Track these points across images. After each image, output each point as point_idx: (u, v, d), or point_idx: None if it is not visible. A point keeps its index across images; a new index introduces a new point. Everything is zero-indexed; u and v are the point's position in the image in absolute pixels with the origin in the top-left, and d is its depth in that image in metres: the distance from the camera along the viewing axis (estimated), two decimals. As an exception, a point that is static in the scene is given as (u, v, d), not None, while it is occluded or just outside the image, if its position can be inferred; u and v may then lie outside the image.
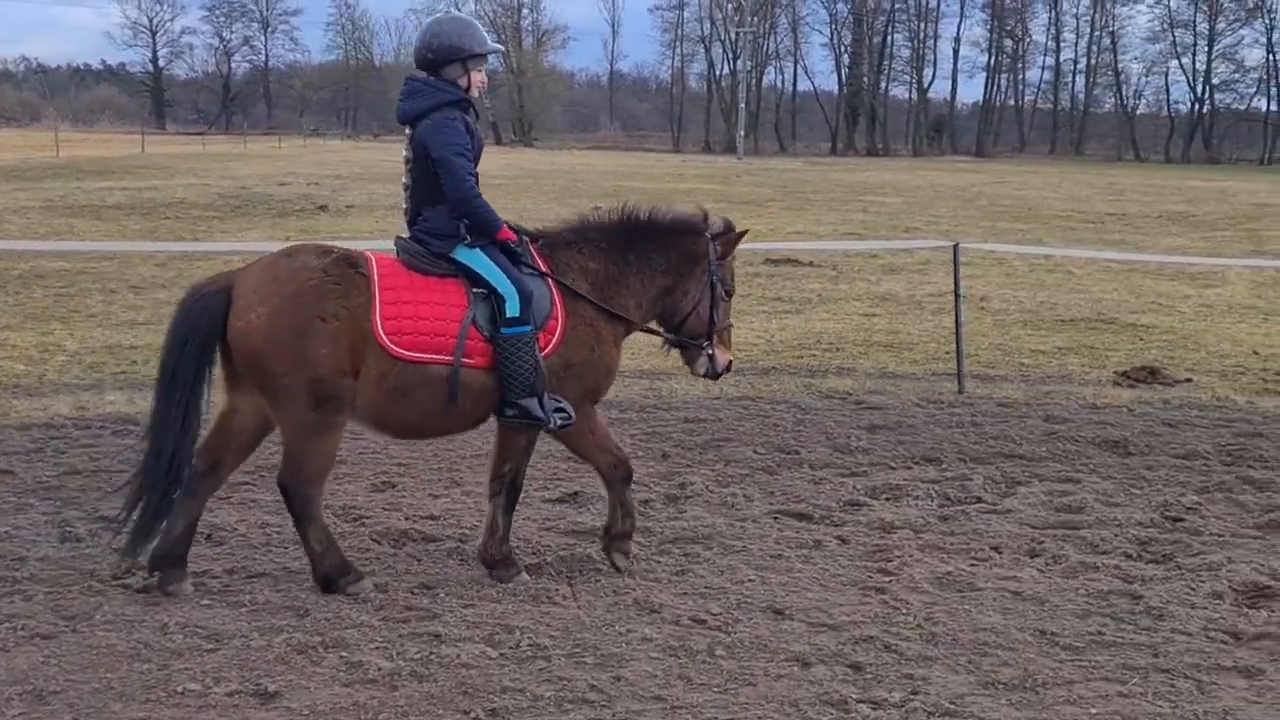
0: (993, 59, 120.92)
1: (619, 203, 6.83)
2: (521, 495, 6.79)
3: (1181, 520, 7.84)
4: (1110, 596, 6.44)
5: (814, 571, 6.75)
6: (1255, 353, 14.19)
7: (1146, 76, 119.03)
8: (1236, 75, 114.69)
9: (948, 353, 12.91)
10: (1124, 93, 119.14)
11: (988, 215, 35.57)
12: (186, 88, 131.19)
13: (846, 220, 31.97)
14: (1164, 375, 12.43)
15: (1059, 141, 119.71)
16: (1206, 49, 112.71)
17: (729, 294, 6.92)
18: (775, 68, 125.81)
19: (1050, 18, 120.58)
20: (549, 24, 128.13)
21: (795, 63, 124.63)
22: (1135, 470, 9.06)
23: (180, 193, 33.43)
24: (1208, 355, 13.96)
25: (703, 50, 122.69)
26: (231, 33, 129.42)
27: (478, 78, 6.44)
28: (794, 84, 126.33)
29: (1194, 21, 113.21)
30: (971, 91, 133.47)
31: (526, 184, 45.38)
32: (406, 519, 7.48)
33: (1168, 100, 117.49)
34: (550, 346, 6.31)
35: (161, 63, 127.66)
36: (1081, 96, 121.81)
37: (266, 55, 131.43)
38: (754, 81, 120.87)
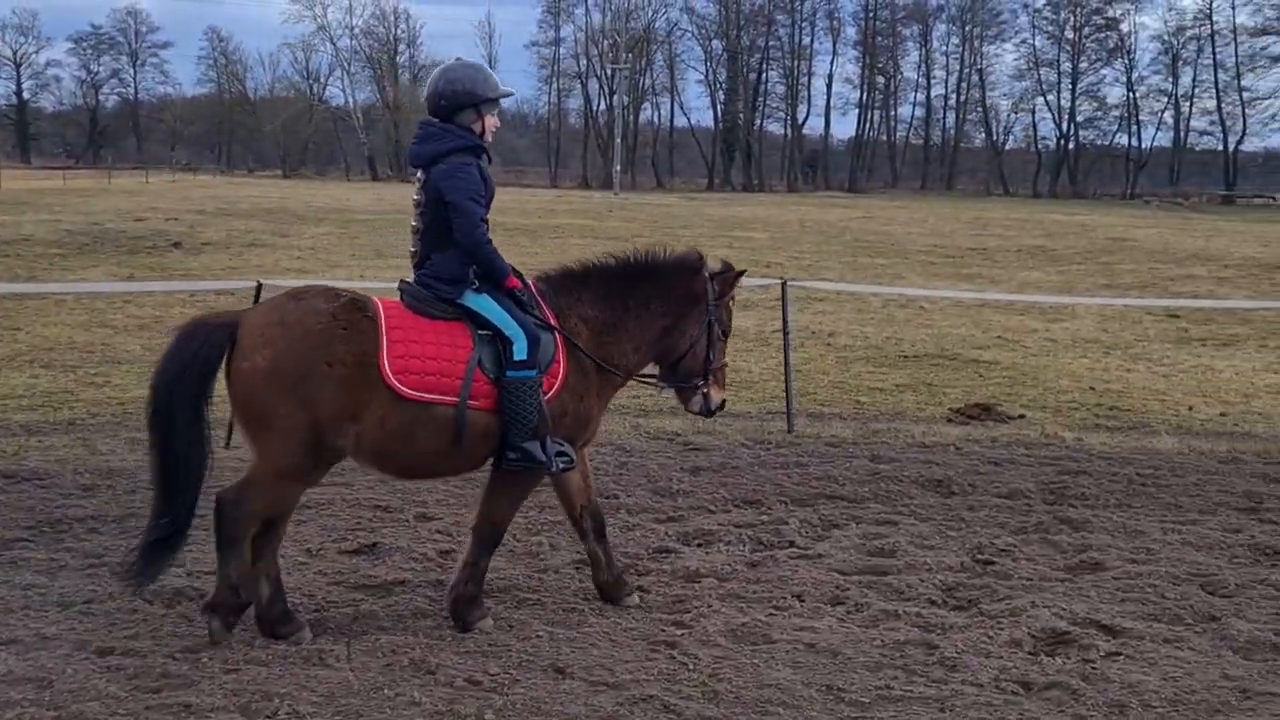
0: (865, 96, 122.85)
1: (619, 249, 6.92)
2: (317, 546, 6.50)
3: (992, 563, 7.72)
4: (906, 647, 6.26)
5: (606, 625, 6.49)
6: (1091, 388, 14.29)
7: (1015, 113, 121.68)
8: (1099, 112, 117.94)
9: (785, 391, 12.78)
10: (993, 129, 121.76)
11: (851, 250, 35.85)
12: (54, 121, 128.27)
13: (710, 256, 31.87)
14: (997, 412, 12.43)
15: (930, 177, 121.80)
16: (1070, 87, 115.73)
17: (725, 334, 6.97)
18: (652, 104, 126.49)
19: (921, 55, 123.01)
20: (426, 59, 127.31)
21: (672, 99, 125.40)
22: (955, 511, 8.96)
23: (28, 229, 32.42)
24: (1044, 391, 14.02)
25: (579, 86, 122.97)
26: (99, 65, 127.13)
27: (490, 122, 6.47)
28: (671, 120, 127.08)
29: (1058, 60, 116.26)
30: (846, 127, 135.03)
31: (394, 219, 44.85)
32: (187, 575, 7.08)
33: (1035, 136, 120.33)
34: (553, 391, 6.33)
35: (26, 95, 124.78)
36: (952, 133, 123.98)
37: (136, 88, 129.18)
38: (631, 118, 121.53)
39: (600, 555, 6.79)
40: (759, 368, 14.96)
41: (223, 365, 5.96)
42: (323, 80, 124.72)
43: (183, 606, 6.61)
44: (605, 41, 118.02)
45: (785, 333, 11.84)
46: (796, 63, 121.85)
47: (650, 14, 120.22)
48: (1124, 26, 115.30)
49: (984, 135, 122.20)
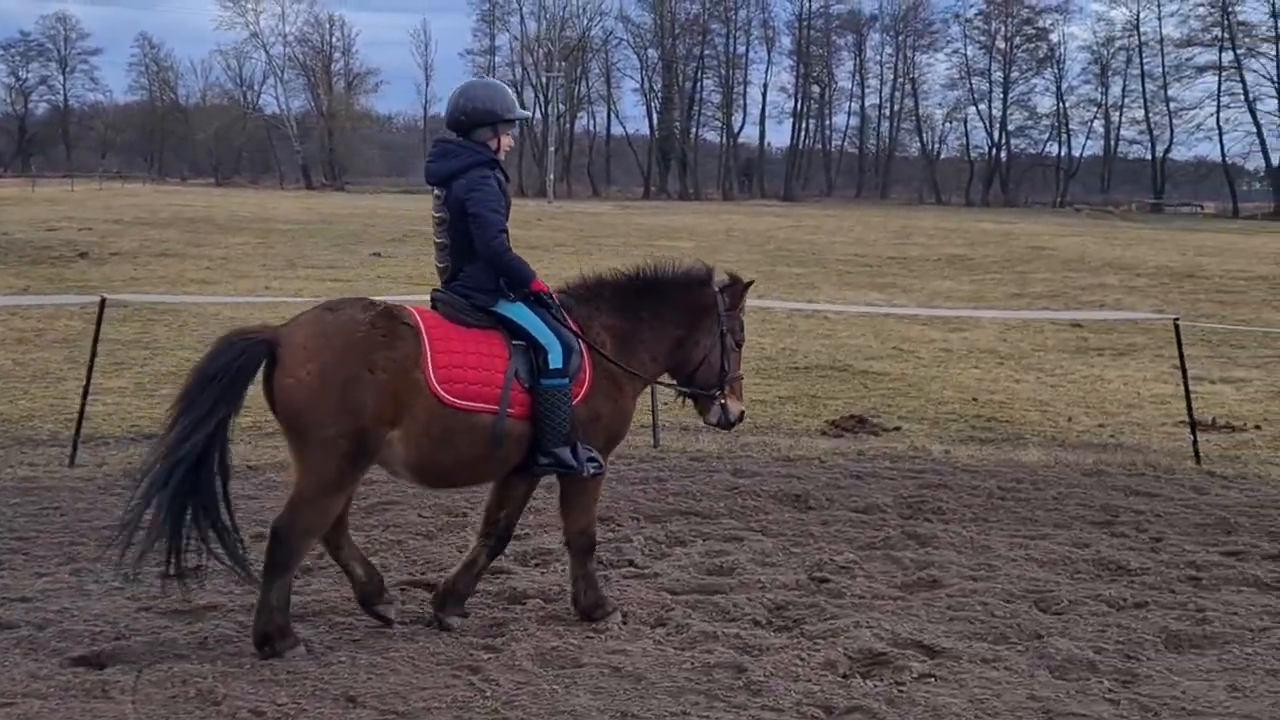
0: (800, 104, 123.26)
1: (632, 261, 7.13)
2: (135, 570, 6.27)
3: (828, 581, 7.61)
4: (715, 670, 6.12)
5: (413, 650, 6.30)
6: (974, 399, 14.28)
7: (949, 123, 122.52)
8: (1030, 122, 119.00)
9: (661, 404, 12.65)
10: (926, 138, 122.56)
11: (771, 259, 35.83)
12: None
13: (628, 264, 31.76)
14: (872, 424, 12.37)
15: (865, 185, 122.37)
16: (1002, 96, 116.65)
17: (739, 345, 7.14)
18: (588, 113, 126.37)
19: (855, 64, 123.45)
20: (360, 67, 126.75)
21: (609, 108, 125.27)
22: (807, 526, 8.87)
23: (-66, 239, 31.85)
24: (926, 402, 13.99)
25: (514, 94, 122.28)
26: (28, 72, 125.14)
27: (506, 140, 6.69)
28: (608, 129, 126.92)
29: (989, 70, 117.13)
30: (782, 136, 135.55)
31: (316, 229, 44.50)
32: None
33: (967, 145, 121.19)
34: (580, 397, 6.52)
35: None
36: (886, 141, 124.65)
37: (65, 95, 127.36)
38: (567, 126, 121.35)
39: (479, 564, 6.86)
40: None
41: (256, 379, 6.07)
42: (256, 88, 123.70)
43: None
44: (540, 50, 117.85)
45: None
46: (731, 71, 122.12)
47: (585, 23, 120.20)
48: (1053, 37, 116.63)
49: (918, 144, 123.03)
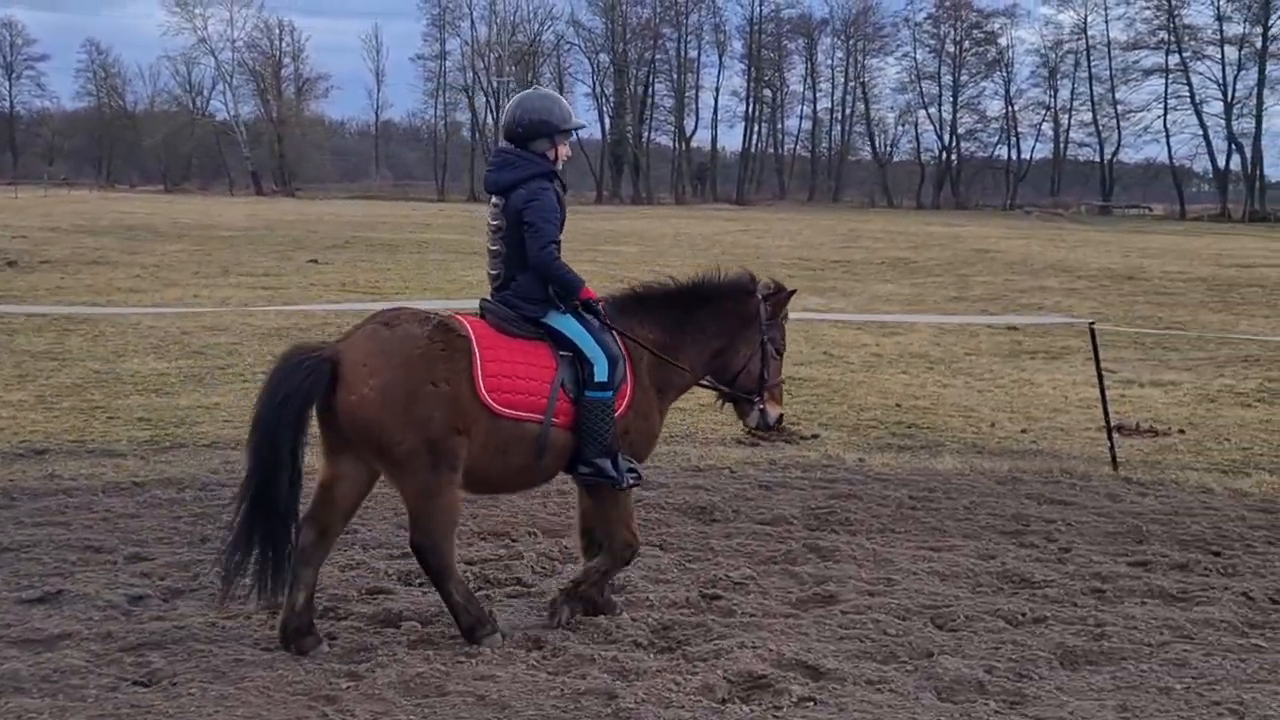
0: (752, 108, 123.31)
1: (675, 272, 7.30)
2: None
3: (719, 599, 7.35)
4: (584, 698, 5.83)
5: (270, 679, 5.98)
6: (898, 405, 14.07)
7: (901, 126, 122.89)
8: (980, 125, 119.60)
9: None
10: (878, 141, 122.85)
11: (715, 264, 35.55)
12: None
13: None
14: (790, 432, 12.11)
15: (818, 189, 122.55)
16: (952, 100, 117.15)
17: (779, 352, 7.27)
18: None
19: (806, 68, 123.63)
20: (311, 73, 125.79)
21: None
22: (708, 540, 8.61)
23: None
24: (849, 409, 13.77)
25: (465, 99, 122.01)
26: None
27: (563, 151, 6.83)
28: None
29: (939, 73, 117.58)
30: (734, 140, 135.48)
31: (258, 235, 43.99)
32: None
33: (918, 149, 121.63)
34: (621, 410, 6.64)
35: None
36: (838, 145, 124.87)
37: (11, 102, 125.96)
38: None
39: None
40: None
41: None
42: (205, 94, 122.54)
43: None
44: (491, 55, 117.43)
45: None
46: (683, 76, 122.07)
47: (536, 27, 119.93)
48: (1002, 40, 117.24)
49: (869, 148, 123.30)
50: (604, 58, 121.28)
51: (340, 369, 6.13)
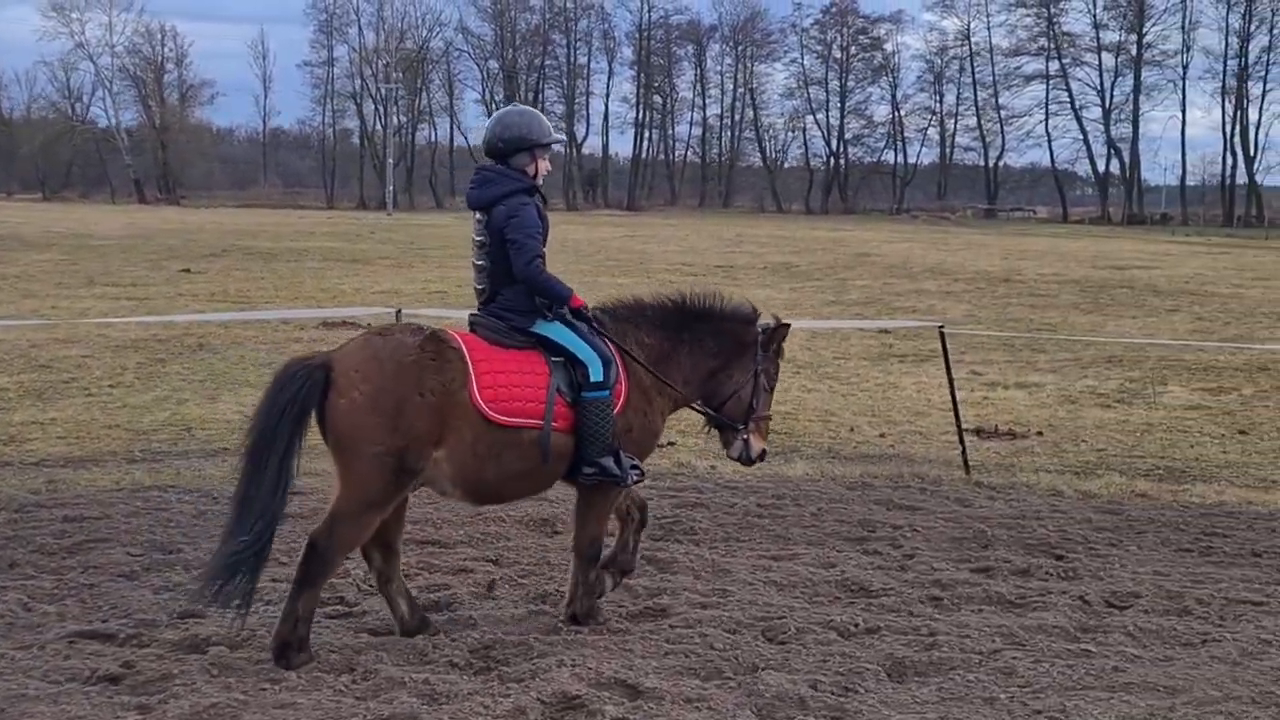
0: (642, 115, 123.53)
1: (677, 289, 7.39)
2: None
3: (545, 615, 7.14)
4: (342, 723, 5.59)
5: (53, 713, 5.65)
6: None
7: (792, 132, 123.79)
8: (867, 130, 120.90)
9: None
10: (767, 147, 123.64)
11: (596, 270, 35.44)
12: None
13: (447, 279, 31.12)
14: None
15: (709, 195, 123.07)
16: (839, 105, 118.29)
17: (770, 387, 7.36)
18: (430, 124, 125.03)
19: (696, 75, 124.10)
20: (195, 79, 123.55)
21: (451, 119, 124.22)
22: (547, 554, 8.38)
23: None
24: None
25: (354, 106, 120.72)
26: None
27: (543, 165, 6.94)
28: (451, 140, 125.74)
29: (826, 79, 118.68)
30: (625, 146, 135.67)
31: (134, 243, 43.04)
32: None
33: (807, 154, 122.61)
34: (618, 409, 6.74)
35: None
36: (728, 151, 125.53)
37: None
38: (408, 138, 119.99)
39: (630, 544, 7.35)
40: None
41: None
42: (85, 100, 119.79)
43: None
44: (379, 61, 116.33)
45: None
46: (573, 82, 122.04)
47: (425, 34, 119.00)
48: (888, 46, 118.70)
49: (759, 153, 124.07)
50: (493, 64, 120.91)
51: (333, 375, 6.26)
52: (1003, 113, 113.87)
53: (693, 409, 7.41)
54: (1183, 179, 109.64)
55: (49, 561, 8.02)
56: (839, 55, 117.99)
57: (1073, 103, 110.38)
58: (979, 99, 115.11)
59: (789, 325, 7.42)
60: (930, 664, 6.49)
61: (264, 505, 6.25)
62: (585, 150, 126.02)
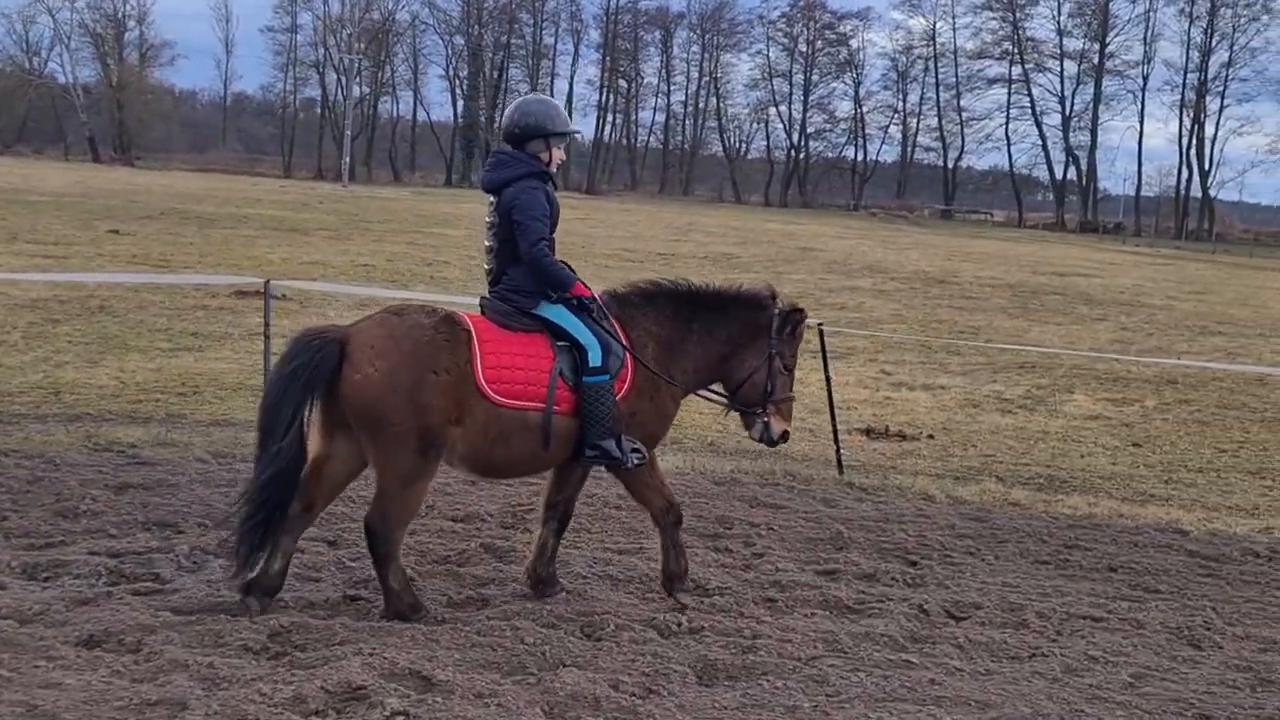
0: (605, 98, 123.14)
1: (689, 275, 7.49)
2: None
3: (359, 600, 6.93)
4: (150, 709, 5.31)
5: None
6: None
7: (756, 123, 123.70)
8: (829, 125, 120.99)
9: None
10: (729, 137, 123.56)
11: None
12: None
13: (379, 254, 30.79)
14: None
15: (670, 182, 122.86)
16: (803, 99, 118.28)
17: (788, 369, 7.35)
18: (393, 97, 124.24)
19: (662, 61, 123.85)
20: (156, 39, 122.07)
21: (415, 93, 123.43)
22: (321, 537, 8.12)
23: None
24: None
25: (316, 75, 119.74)
26: None
27: (557, 154, 7.07)
28: (414, 115, 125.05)
29: (791, 72, 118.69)
30: (588, 129, 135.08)
31: (72, 202, 42.47)
32: None
33: (769, 146, 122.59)
34: (623, 394, 6.85)
35: None
36: (691, 139, 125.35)
37: None
38: (370, 109, 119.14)
39: (549, 547, 7.26)
40: (245, 369, 13.84)
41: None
42: (43, 55, 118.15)
43: None
44: (344, 31, 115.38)
45: (266, 337, 10.84)
46: (538, 62, 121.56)
47: (390, 5, 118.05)
48: (854, 43, 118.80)
49: (720, 143, 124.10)
50: (459, 40, 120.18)
51: (349, 350, 6.41)
52: (964, 115, 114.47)
53: (702, 396, 7.50)
54: (1138, 189, 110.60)
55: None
56: (805, 49, 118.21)
57: (1033, 108, 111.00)
58: (941, 100, 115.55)
59: (803, 309, 7.43)
60: (743, 668, 6.34)
61: (272, 469, 6.42)
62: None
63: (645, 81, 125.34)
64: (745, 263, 35.73)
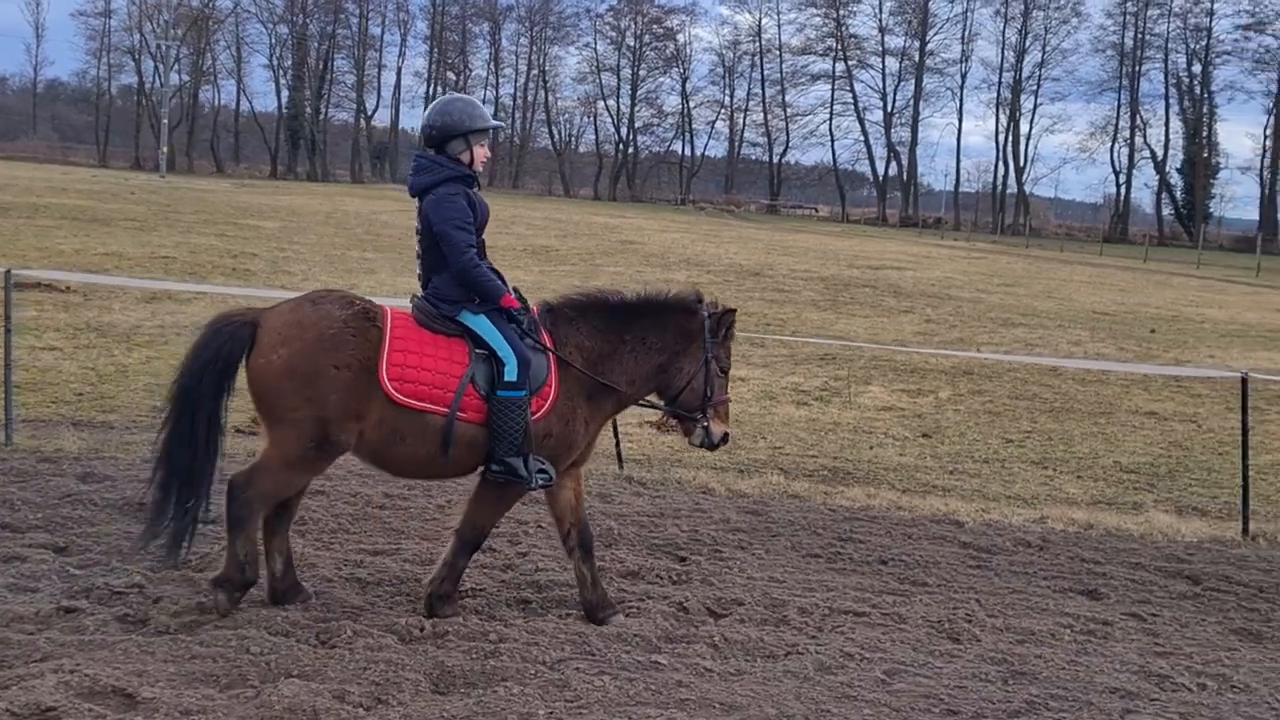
0: (433, 90, 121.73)
1: (618, 283, 6.99)
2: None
3: (76, 612, 6.45)
4: None
5: None
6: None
7: (585, 117, 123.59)
8: (656, 120, 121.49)
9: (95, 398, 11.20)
10: (558, 130, 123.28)
11: (351, 244, 34.56)
12: None
13: (183, 245, 29.74)
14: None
15: (499, 175, 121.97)
16: (630, 93, 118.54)
17: (724, 371, 7.18)
18: (215, 87, 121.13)
19: (491, 53, 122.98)
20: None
21: (238, 83, 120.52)
22: (120, 544, 7.67)
23: None
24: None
25: (132, 62, 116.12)
26: None
27: (480, 152, 6.93)
28: (237, 104, 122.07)
29: (618, 66, 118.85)
30: (417, 121, 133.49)
31: None
32: None
33: (597, 140, 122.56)
34: (541, 413, 6.70)
35: None
36: (520, 132, 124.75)
37: None
38: (190, 98, 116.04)
39: (585, 574, 7.03)
40: (78, 368, 13.29)
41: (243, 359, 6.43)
42: None
43: None
44: (161, 16, 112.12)
45: (7, 329, 10.20)
46: (365, 53, 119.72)
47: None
48: (680, 38, 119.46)
49: (549, 136, 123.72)
50: (283, 29, 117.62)
51: (258, 334, 6.39)
52: (789, 110, 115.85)
53: (642, 405, 7.38)
54: (956, 185, 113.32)
55: None
56: (632, 43, 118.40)
57: (856, 104, 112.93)
58: (767, 95, 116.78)
59: (734, 310, 7.26)
60: (482, 674, 6.06)
61: (186, 457, 6.39)
62: (375, 123, 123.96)
63: (474, 74, 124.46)
64: (564, 255, 35.45)
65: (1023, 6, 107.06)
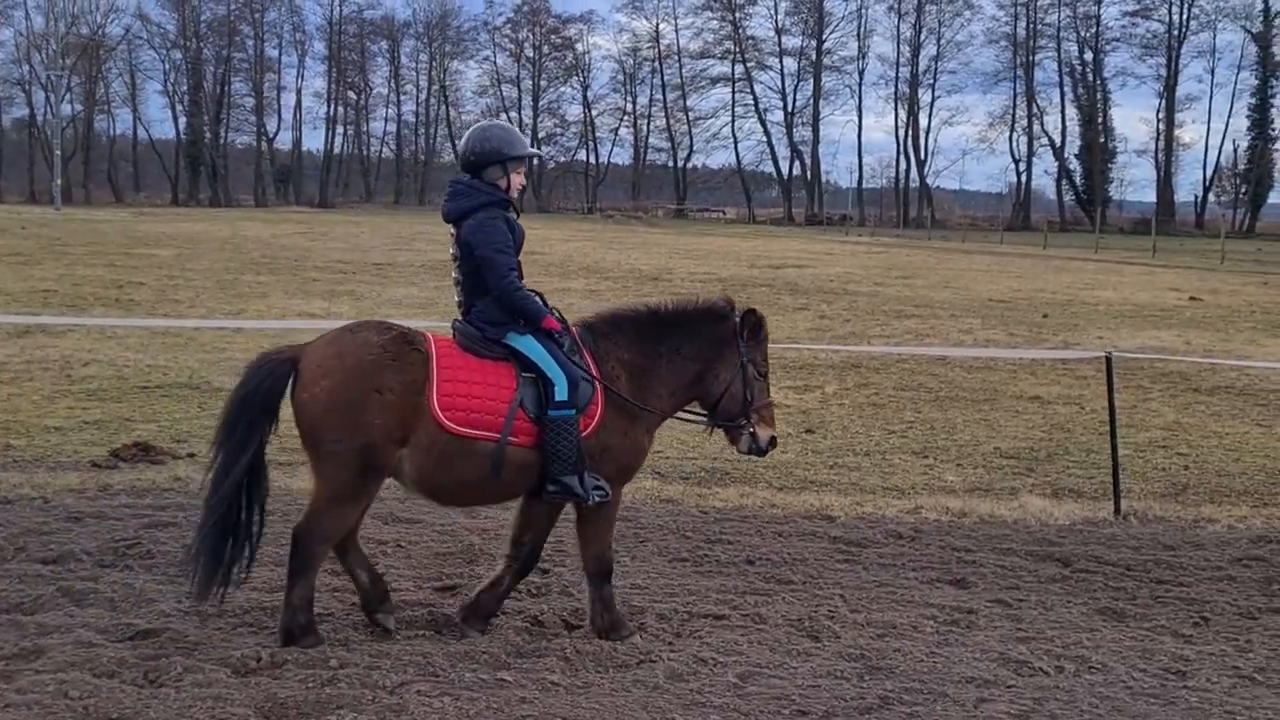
0: (334, 110, 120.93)
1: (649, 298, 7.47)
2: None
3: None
4: None
5: None
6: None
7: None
8: (560, 129, 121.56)
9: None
10: (459, 145, 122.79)
11: (242, 267, 34.00)
12: None
13: (66, 278, 29.07)
14: (160, 452, 10.98)
15: (405, 191, 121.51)
16: (532, 104, 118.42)
17: (762, 374, 7.19)
18: (110, 115, 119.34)
19: (391, 71, 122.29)
20: None
21: (134, 110, 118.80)
22: None
23: None
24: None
25: (22, 93, 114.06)
26: None
27: (517, 179, 6.93)
28: (134, 132, 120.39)
29: (519, 78, 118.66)
30: (319, 142, 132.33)
31: None
32: None
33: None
34: (590, 429, 6.70)
35: None
36: (423, 148, 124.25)
37: None
38: (84, 128, 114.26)
39: (504, 584, 7.09)
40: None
41: (287, 396, 6.45)
42: None
43: None
44: (50, 46, 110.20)
45: None
46: (262, 75, 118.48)
47: (99, 19, 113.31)
48: (579, 46, 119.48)
49: (453, 151, 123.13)
50: (177, 55, 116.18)
51: (300, 369, 6.42)
52: (691, 114, 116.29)
53: (680, 418, 7.31)
54: (859, 181, 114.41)
55: None
56: (531, 54, 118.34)
57: (757, 106, 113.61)
58: (668, 100, 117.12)
59: (759, 310, 7.26)
60: (316, 703, 5.83)
61: (226, 495, 6.40)
62: (277, 145, 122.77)
63: (375, 92, 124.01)
64: (461, 270, 35.12)
65: (916, 1, 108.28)
